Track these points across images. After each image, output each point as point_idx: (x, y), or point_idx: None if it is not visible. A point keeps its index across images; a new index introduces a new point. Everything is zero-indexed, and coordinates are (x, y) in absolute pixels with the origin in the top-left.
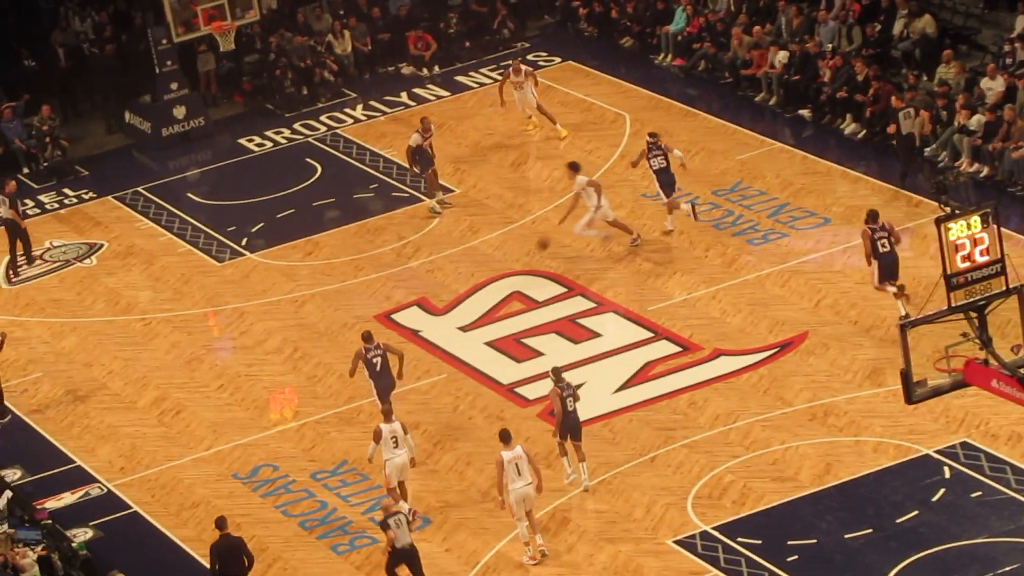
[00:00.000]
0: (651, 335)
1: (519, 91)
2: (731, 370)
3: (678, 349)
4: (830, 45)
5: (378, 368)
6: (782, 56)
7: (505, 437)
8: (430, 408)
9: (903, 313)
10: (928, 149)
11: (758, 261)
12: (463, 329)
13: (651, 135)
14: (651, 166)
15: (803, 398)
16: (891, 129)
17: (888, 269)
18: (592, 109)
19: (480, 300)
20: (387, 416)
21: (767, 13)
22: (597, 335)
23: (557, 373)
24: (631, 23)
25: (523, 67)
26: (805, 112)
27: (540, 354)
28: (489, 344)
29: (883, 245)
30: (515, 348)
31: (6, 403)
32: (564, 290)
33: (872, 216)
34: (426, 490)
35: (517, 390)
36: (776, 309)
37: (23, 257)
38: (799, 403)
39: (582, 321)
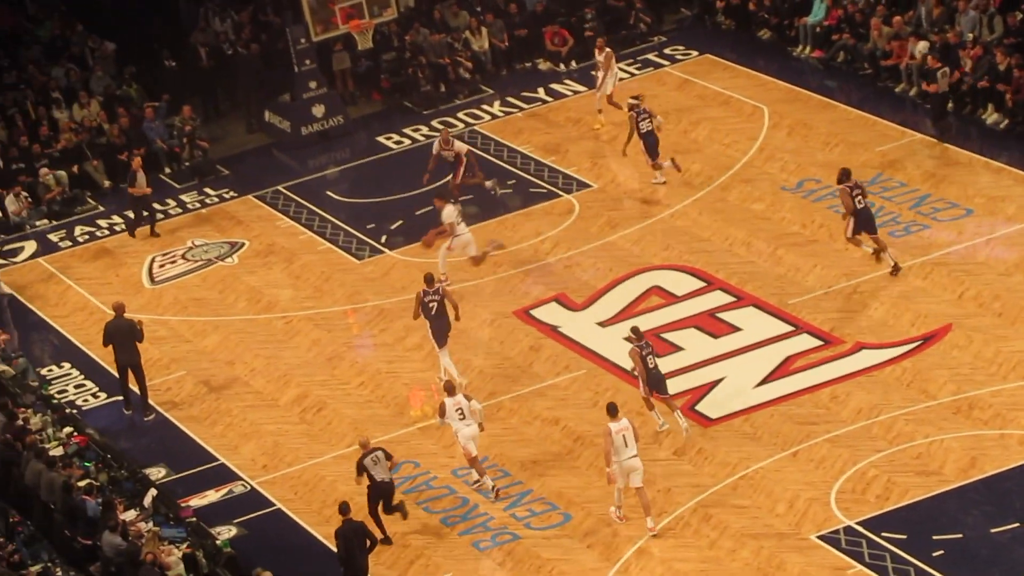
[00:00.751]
0: (792, 329)
1: (600, 73)
2: (873, 363)
3: (819, 343)
4: (971, 35)
5: (433, 312)
6: (922, 46)
7: (612, 410)
8: (570, 404)
9: (892, 264)
10: None
11: (900, 253)
12: (602, 324)
13: (634, 98)
14: (639, 130)
15: (947, 391)
16: None
17: (865, 222)
18: (730, 102)
19: (619, 295)
20: (450, 390)
21: (907, 3)
22: (737, 329)
23: (636, 332)
24: (769, 15)
25: (607, 48)
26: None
27: (680, 349)
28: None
29: (859, 201)
30: (655, 343)
31: (150, 401)
32: (703, 284)
33: (846, 174)
34: (566, 486)
35: None
36: (918, 301)
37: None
38: (943, 396)
39: (722, 315)
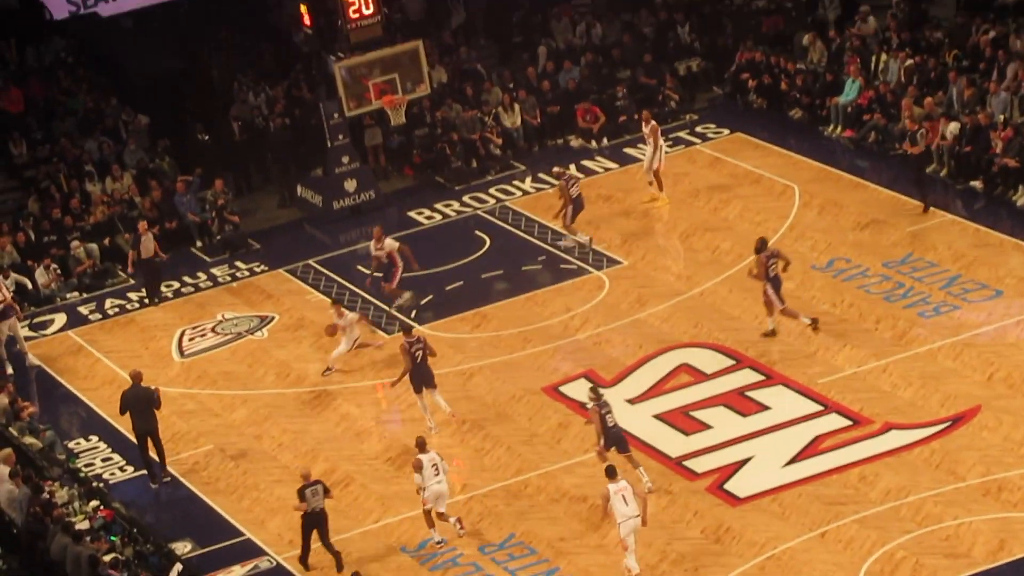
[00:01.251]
0: (821, 408)
1: (648, 146)
2: (902, 444)
3: (848, 423)
4: (1002, 116)
5: (419, 360)
6: (953, 127)
7: (611, 472)
8: (598, 481)
9: (770, 328)
10: None
11: (929, 334)
12: (631, 401)
13: (557, 168)
14: (570, 195)
15: (976, 473)
16: None
17: (777, 289)
18: (761, 181)
19: (648, 372)
20: (422, 446)
21: (938, 84)
22: (766, 408)
23: (595, 391)
24: (800, 95)
25: (653, 121)
26: (977, 183)
27: (708, 427)
28: (657, 417)
29: (772, 270)
30: (683, 421)
31: (168, 467)
32: (733, 363)
33: (763, 244)
34: (594, 564)
35: (685, 463)
36: (948, 382)
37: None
38: (972, 478)
39: (751, 394)
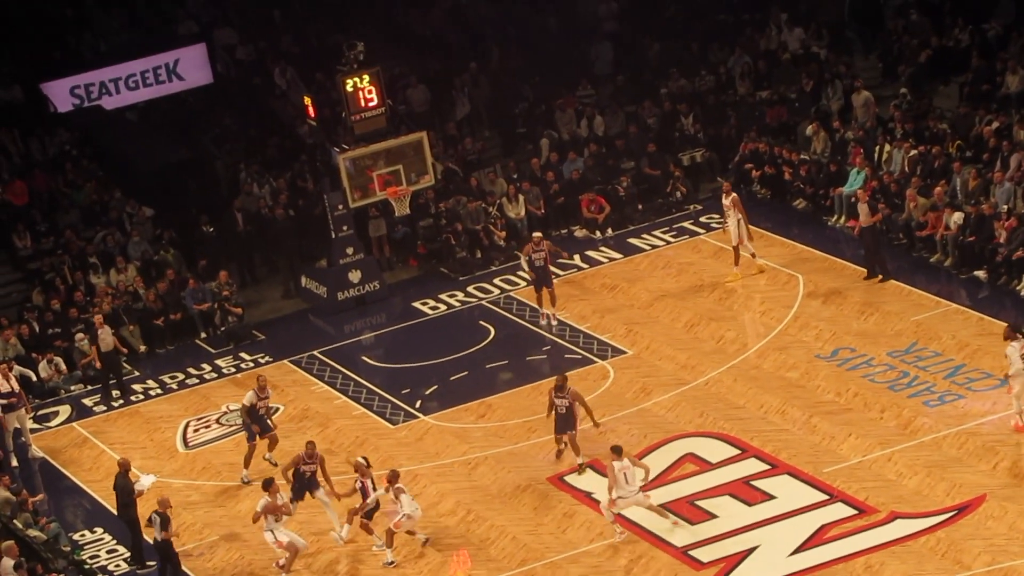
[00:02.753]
0: (826, 498)
1: (729, 219)
2: (908, 533)
3: (854, 512)
4: (1006, 207)
5: (306, 479)
6: (957, 217)
7: (617, 451)
8: (603, 571)
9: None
10: None
11: (934, 423)
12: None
13: (535, 233)
14: (532, 262)
15: (982, 562)
16: None
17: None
18: (765, 271)
19: (653, 462)
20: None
21: (942, 174)
22: (772, 497)
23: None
24: (804, 185)
25: (733, 193)
26: (981, 273)
27: (714, 516)
28: (663, 506)
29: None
30: (689, 510)
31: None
32: (738, 452)
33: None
34: None
35: (691, 552)
36: (953, 471)
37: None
38: (978, 567)
39: (756, 483)
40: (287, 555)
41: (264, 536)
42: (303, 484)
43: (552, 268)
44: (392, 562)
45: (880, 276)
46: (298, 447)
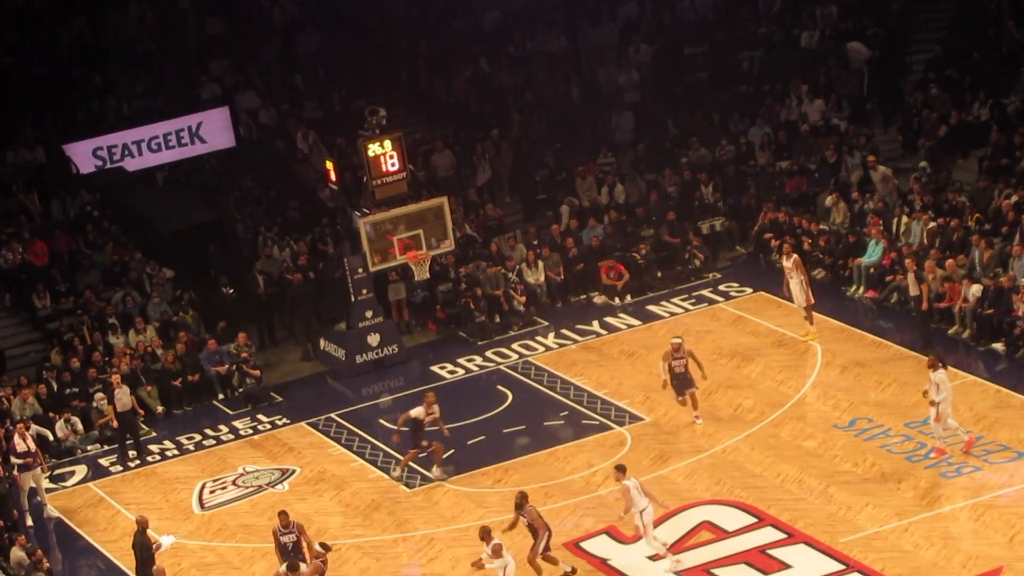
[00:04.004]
0: (843, 567)
1: (792, 280)
2: None
3: None
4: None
5: (290, 549)
6: (975, 289)
7: (622, 469)
8: None
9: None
10: None
11: (951, 494)
12: (652, 559)
13: (676, 338)
14: (673, 368)
15: None
16: None
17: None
18: (784, 340)
19: (670, 529)
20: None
21: (960, 247)
22: (788, 567)
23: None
24: (823, 255)
25: (795, 255)
26: (998, 346)
27: None
28: (678, 574)
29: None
30: None
31: None
32: (754, 520)
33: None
34: None
35: None
36: (970, 543)
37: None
38: None
39: (772, 552)
40: None
41: None
42: (288, 555)
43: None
44: None
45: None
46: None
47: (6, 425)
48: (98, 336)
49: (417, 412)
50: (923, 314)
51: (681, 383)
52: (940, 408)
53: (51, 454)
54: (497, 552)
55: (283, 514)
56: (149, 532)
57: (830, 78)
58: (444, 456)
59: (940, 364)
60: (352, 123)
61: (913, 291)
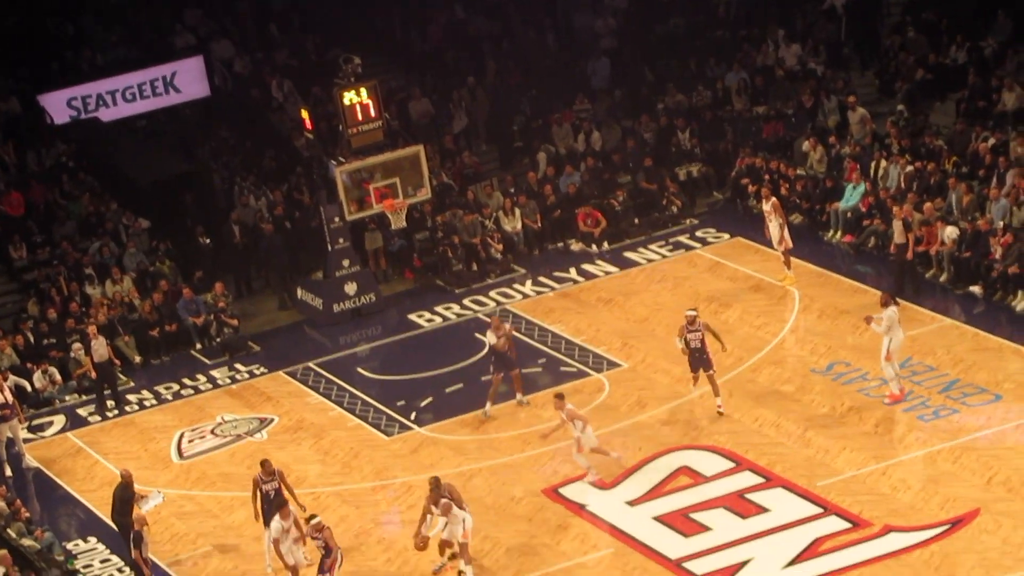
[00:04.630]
0: (820, 511)
1: (771, 224)
2: (902, 547)
3: (848, 525)
4: (1001, 223)
5: (272, 497)
6: (951, 232)
7: (561, 397)
8: None
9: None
10: None
11: (929, 437)
12: (630, 503)
13: (691, 310)
14: (688, 342)
15: (975, 575)
16: None
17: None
18: (761, 286)
19: (647, 475)
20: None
21: (937, 190)
22: (766, 510)
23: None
24: (800, 200)
25: (773, 198)
26: (976, 289)
27: (708, 529)
28: (657, 519)
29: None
30: (683, 523)
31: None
32: (732, 465)
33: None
34: None
35: (685, 565)
36: (947, 485)
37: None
38: None
39: (750, 496)
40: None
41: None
42: (270, 504)
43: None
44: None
45: (911, 291)
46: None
47: None
48: (75, 286)
49: (490, 339)
50: (908, 263)
51: (696, 361)
52: (891, 347)
53: (29, 405)
54: (446, 509)
55: (265, 463)
56: (137, 489)
57: (807, 23)
58: (424, 404)
59: (893, 301)
60: (327, 71)
61: (899, 239)
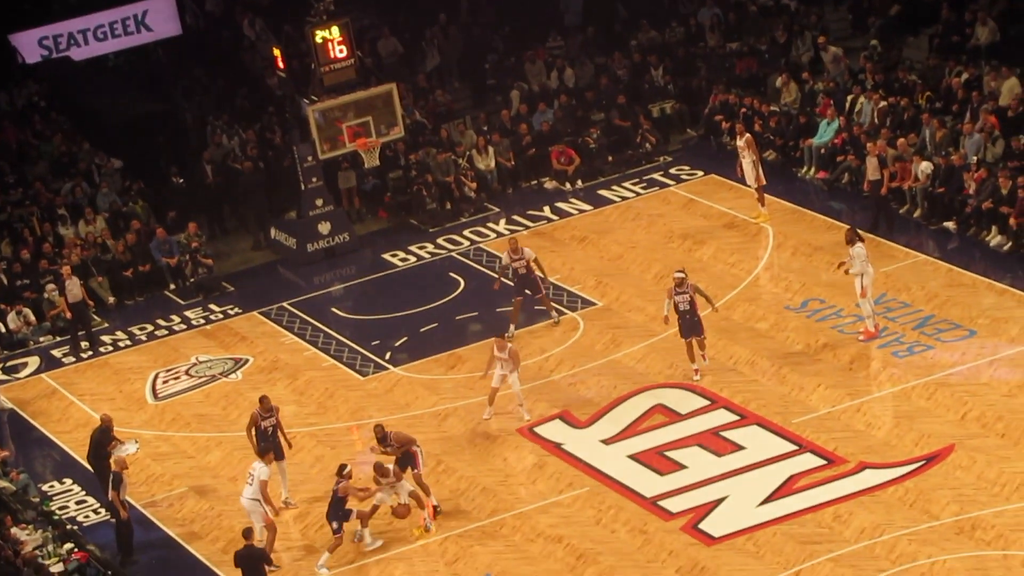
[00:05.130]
0: (795, 448)
1: (744, 160)
2: (876, 483)
3: (823, 462)
4: (975, 158)
5: (269, 434)
6: (925, 166)
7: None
8: (573, 522)
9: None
10: None
11: (903, 373)
12: (606, 442)
13: (679, 272)
14: (677, 305)
15: (950, 512)
16: None
17: None
18: (735, 223)
19: (623, 413)
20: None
21: (911, 126)
22: (741, 448)
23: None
24: (774, 136)
25: (748, 134)
26: (950, 224)
27: (683, 467)
28: (632, 457)
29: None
30: (658, 461)
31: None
32: (707, 403)
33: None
34: None
35: (660, 503)
36: (922, 421)
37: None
38: (946, 517)
39: (725, 434)
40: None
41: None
42: (267, 441)
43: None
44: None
45: (885, 228)
46: (270, 398)
47: None
48: (48, 227)
49: (504, 259)
50: (882, 199)
51: (687, 327)
52: (865, 283)
53: (3, 346)
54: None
55: (264, 399)
56: (116, 434)
57: None
58: (398, 344)
59: (857, 238)
60: (299, 9)
61: (873, 175)
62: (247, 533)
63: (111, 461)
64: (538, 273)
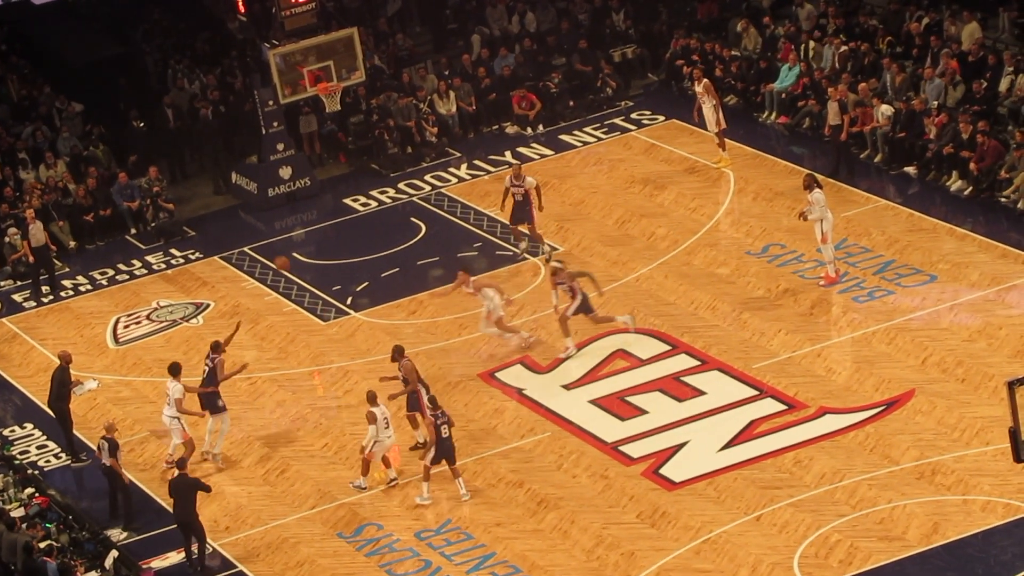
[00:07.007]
0: (756, 393)
1: (704, 106)
2: (837, 428)
3: (783, 407)
4: (935, 102)
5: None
6: (885, 109)
7: (372, 397)
8: (534, 467)
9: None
10: None
11: (864, 318)
12: (567, 387)
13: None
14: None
15: (910, 456)
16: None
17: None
18: (697, 168)
19: (584, 358)
20: (372, 400)
21: (872, 71)
22: (702, 393)
23: (434, 402)
24: (735, 81)
25: (705, 79)
26: (911, 169)
27: (644, 412)
28: (593, 402)
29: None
30: (619, 406)
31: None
32: (668, 348)
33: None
34: (531, 550)
35: (621, 448)
36: (882, 367)
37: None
38: (906, 462)
39: (686, 379)
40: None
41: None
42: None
43: None
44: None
45: (846, 173)
46: (230, 344)
47: None
48: (8, 171)
49: (506, 183)
50: (843, 144)
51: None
52: (825, 228)
53: None
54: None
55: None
56: (73, 373)
57: None
58: (359, 289)
59: (816, 184)
60: None
61: (834, 120)
62: (181, 463)
63: (104, 427)
64: (535, 202)
